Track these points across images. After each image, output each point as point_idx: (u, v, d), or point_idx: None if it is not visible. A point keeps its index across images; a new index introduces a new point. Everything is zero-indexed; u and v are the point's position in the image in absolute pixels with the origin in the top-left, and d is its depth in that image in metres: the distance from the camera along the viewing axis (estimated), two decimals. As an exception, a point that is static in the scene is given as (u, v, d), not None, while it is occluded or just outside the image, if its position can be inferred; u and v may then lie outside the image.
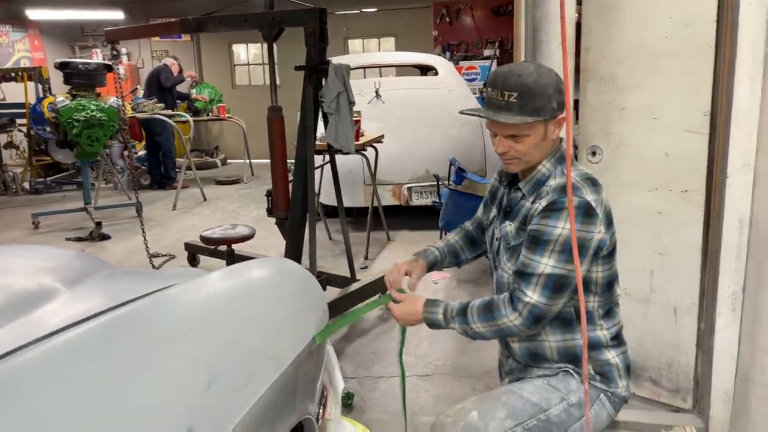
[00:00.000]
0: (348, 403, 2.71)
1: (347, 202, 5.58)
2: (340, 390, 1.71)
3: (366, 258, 4.80)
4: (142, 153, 8.78)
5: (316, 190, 5.30)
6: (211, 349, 1.08)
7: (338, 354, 3.22)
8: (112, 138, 5.90)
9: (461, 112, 1.67)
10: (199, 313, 1.16)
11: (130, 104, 7.53)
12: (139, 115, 7.25)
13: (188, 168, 7.55)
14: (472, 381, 2.89)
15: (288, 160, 3.60)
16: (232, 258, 4.13)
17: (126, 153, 8.68)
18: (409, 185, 5.47)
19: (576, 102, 2.60)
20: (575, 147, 2.66)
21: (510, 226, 1.68)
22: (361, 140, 4.66)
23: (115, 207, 6.60)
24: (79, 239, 5.74)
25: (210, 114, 8.44)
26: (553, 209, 1.55)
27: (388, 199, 5.51)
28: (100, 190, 7.75)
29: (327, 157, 4.73)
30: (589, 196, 1.57)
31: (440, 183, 4.50)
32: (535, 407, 1.60)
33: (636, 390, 2.65)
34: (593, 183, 1.63)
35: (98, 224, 5.76)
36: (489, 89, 1.62)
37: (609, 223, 1.62)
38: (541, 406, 1.60)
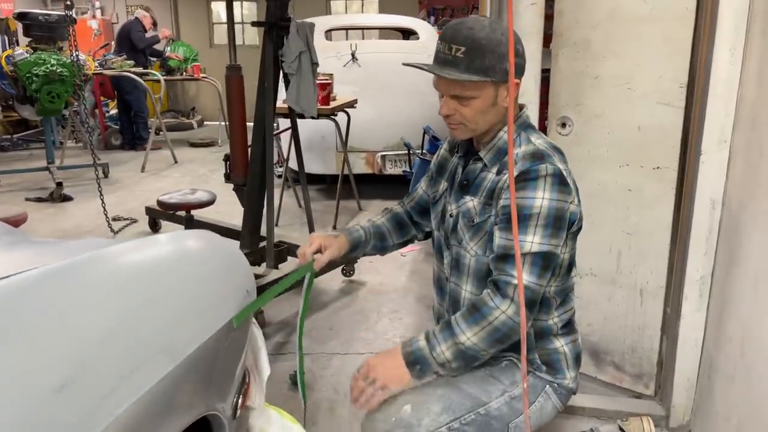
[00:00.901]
0: (296, 382, 2.58)
1: (319, 169, 5.42)
2: (265, 375, 1.56)
3: (334, 228, 4.64)
4: (114, 112, 8.50)
5: (285, 156, 5.12)
6: (76, 342, 0.92)
7: (291, 328, 3.08)
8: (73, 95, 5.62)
9: (405, 64, 1.51)
10: (72, 297, 1.00)
11: (98, 60, 7.22)
12: (107, 72, 6.95)
13: (159, 129, 7.30)
14: (430, 360, 2.75)
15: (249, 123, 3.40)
16: (191, 224, 3.96)
17: (96, 111, 8.42)
18: (383, 153, 5.30)
19: (546, 71, 2.43)
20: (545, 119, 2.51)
21: (472, 202, 1.52)
22: (332, 104, 4.46)
23: (81, 167, 6.35)
24: (39, 200, 5.52)
25: (184, 73, 8.14)
26: (527, 179, 1.40)
27: (361, 167, 5.34)
28: (68, 149, 7.51)
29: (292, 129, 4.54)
30: (560, 165, 1.43)
31: (411, 152, 4.33)
32: (474, 400, 1.46)
33: (598, 374, 2.54)
34: (560, 152, 1.50)
35: (59, 185, 5.53)
36: (438, 42, 1.45)
37: (578, 197, 1.48)
38: (481, 399, 1.47)
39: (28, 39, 5.58)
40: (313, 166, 5.39)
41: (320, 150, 5.31)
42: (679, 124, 2.17)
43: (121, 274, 1.12)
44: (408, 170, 4.37)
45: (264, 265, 3.30)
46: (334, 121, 4.47)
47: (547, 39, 2.37)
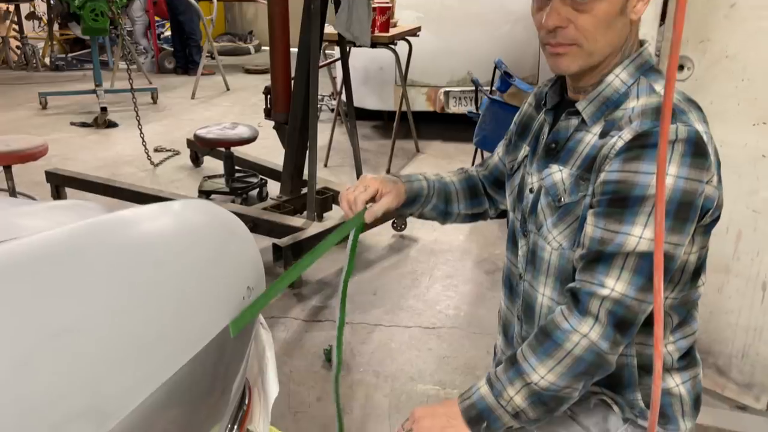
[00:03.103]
0: (331, 359, 2.23)
1: (375, 105, 4.97)
2: (273, 395, 1.20)
3: (388, 172, 4.21)
4: (169, 33, 8.17)
5: (338, 88, 4.68)
6: None
7: (332, 290, 2.72)
8: (120, 14, 5.27)
9: None
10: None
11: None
12: (157, -10, 6.56)
13: (211, 54, 6.92)
14: (488, 340, 2.36)
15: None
16: (231, 162, 3.61)
17: (149, 32, 8.11)
18: (447, 89, 4.77)
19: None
20: (656, 56, 1.97)
21: (561, 173, 1.09)
22: (392, 32, 3.95)
23: (129, 91, 6.06)
24: (84, 125, 5.29)
25: (240, -6, 7.67)
26: (645, 145, 0.97)
27: (421, 103, 4.84)
28: (121, 71, 7.25)
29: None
30: (699, 126, 0.99)
31: (479, 89, 3.81)
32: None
33: (693, 377, 2.09)
34: (698, 107, 1.04)
35: (103, 110, 5.27)
36: None
37: (719, 173, 1.04)
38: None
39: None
40: (368, 101, 4.94)
41: (377, 83, 4.83)
42: None
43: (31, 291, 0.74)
44: (473, 111, 3.86)
45: (305, 215, 2.93)
46: (393, 50, 3.97)
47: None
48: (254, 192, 3.69)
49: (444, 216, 1.35)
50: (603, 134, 1.04)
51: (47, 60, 7.90)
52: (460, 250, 3.09)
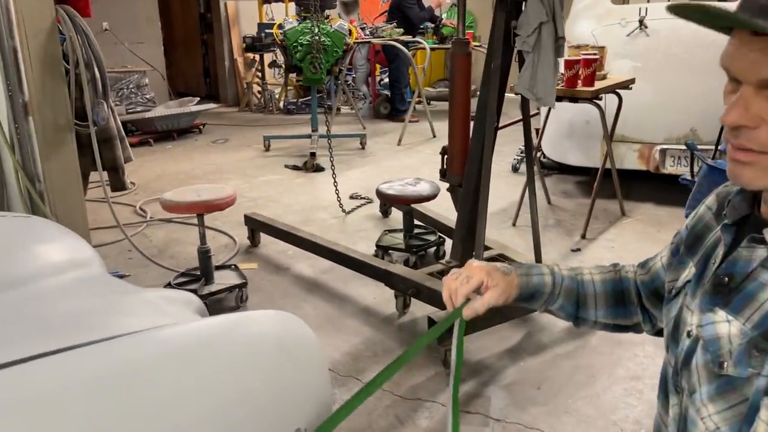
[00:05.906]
0: (472, 462, 1.97)
1: (579, 160, 4.60)
2: None
3: (583, 237, 3.79)
4: (387, 80, 8.54)
5: (535, 143, 4.40)
6: None
7: (491, 375, 2.44)
8: (336, 64, 5.59)
9: (670, 8, 0.77)
10: None
11: (371, 28, 7.18)
12: (374, 41, 6.86)
13: (419, 100, 7.03)
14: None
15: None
16: (410, 218, 3.53)
17: (370, 79, 8.54)
18: (664, 147, 4.21)
19: None
20: None
21: (729, 326, 0.78)
22: (597, 85, 3.58)
23: (341, 137, 6.38)
24: (295, 167, 5.64)
25: (456, 41, 7.73)
26: None
27: (632, 161, 4.34)
28: (339, 116, 7.71)
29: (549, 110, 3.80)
30: None
31: (696, 154, 3.25)
32: None
33: None
34: None
35: (312, 155, 5.58)
36: None
37: None
38: None
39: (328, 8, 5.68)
40: (571, 156, 4.58)
41: (582, 137, 4.44)
42: None
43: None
44: (687, 178, 3.31)
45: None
46: (597, 105, 3.59)
47: None
48: (432, 250, 3.56)
49: (576, 320, 1.10)
50: None
51: (281, 104, 8.69)
52: (654, 344, 2.61)
